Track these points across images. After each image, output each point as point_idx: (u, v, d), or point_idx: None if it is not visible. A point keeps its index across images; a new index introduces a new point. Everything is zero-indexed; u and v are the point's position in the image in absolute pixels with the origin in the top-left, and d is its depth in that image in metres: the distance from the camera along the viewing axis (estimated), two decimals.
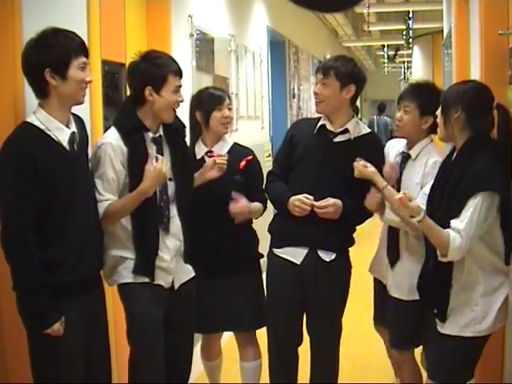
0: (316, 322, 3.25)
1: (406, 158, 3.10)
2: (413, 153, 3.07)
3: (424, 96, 3.03)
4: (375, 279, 3.35)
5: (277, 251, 3.26)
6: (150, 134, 2.79)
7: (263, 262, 3.37)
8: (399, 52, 18.43)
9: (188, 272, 2.95)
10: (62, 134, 2.47)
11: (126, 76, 2.88)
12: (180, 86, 2.82)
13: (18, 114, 2.58)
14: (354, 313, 3.47)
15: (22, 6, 2.62)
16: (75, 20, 3.03)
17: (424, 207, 2.73)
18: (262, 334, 3.40)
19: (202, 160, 3.28)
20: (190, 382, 3.05)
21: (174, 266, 2.83)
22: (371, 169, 2.98)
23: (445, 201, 2.62)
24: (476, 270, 2.62)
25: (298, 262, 3.18)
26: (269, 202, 3.36)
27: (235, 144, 3.41)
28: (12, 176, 2.36)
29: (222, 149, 3.32)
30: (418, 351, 3.16)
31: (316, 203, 3.07)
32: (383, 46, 18.42)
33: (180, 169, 2.86)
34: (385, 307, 3.20)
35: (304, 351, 3.33)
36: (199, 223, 3.13)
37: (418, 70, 14.82)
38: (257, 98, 6.87)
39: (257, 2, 7.24)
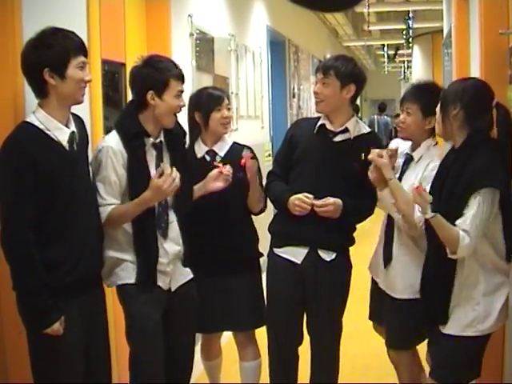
0: (316, 321, 3.25)
1: (408, 159, 3.09)
2: (416, 155, 3.06)
3: (426, 97, 3.01)
4: (372, 278, 3.35)
5: (277, 251, 3.26)
6: (151, 140, 2.80)
7: (263, 261, 3.37)
8: (399, 51, 18.42)
9: (186, 274, 2.95)
10: (62, 134, 2.47)
11: (129, 80, 2.88)
12: (182, 91, 2.83)
13: (17, 113, 2.58)
14: (354, 312, 3.47)
15: (22, 5, 2.62)
16: (75, 20, 3.03)
17: (419, 213, 2.73)
18: (261, 334, 3.39)
19: (203, 159, 3.28)
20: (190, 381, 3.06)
21: (171, 269, 2.84)
22: (384, 160, 2.94)
23: (445, 198, 2.61)
24: (477, 269, 2.62)
25: (299, 262, 3.18)
26: (269, 201, 3.36)
27: (234, 143, 3.40)
28: (12, 176, 2.36)
29: (222, 148, 3.32)
30: (420, 349, 3.16)
31: (316, 202, 3.06)
32: (383, 45, 18.42)
33: (179, 175, 2.87)
34: (380, 306, 3.20)
35: (304, 351, 3.33)
36: (200, 222, 3.14)
37: (418, 69, 14.80)
38: (257, 98, 6.87)
39: (257, 2, 7.24)
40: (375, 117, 13.52)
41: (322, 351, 3.29)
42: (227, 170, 3.10)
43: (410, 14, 12.72)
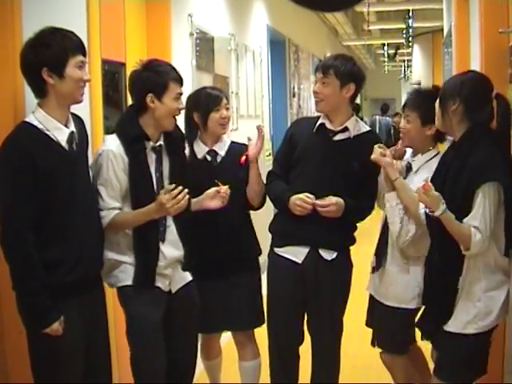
0: (317, 321, 3.25)
1: (408, 168, 3.07)
2: (415, 165, 3.04)
3: (425, 105, 2.96)
4: None
5: (278, 250, 3.25)
6: (151, 143, 2.81)
7: (263, 261, 3.37)
8: (399, 51, 18.42)
9: (185, 277, 2.96)
10: (61, 134, 2.47)
11: (128, 85, 2.90)
12: (181, 94, 2.85)
13: (17, 113, 2.58)
14: (354, 312, 3.47)
15: (22, 5, 2.62)
16: (75, 20, 3.03)
17: (422, 210, 2.73)
18: (261, 333, 3.39)
19: (204, 160, 3.28)
20: None
21: (169, 272, 2.85)
22: (388, 159, 2.94)
23: (447, 193, 2.59)
24: (479, 265, 2.62)
25: (300, 261, 3.18)
26: (269, 201, 3.35)
27: (232, 142, 3.40)
28: (11, 176, 2.36)
29: (222, 148, 3.32)
30: (426, 351, 3.16)
31: (318, 202, 3.06)
32: (383, 44, 18.40)
33: (178, 179, 2.87)
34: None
35: (305, 351, 3.32)
36: (199, 222, 3.13)
37: (418, 68, 14.80)
38: (257, 97, 6.87)
39: (257, 1, 7.23)
40: (377, 117, 13.46)
41: (323, 351, 3.29)
42: (224, 190, 3.07)
43: (410, 13, 12.71)
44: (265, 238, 3.43)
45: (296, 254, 3.19)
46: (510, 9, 3.47)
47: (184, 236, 2.90)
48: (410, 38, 14.01)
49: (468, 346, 2.64)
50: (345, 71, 3.09)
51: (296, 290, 3.20)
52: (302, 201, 3.07)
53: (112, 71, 3.74)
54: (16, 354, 2.58)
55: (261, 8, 7.38)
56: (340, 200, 3.07)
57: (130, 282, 2.76)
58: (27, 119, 2.45)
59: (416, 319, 3.00)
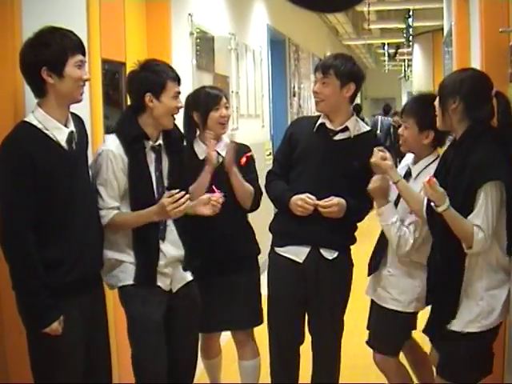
0: (318, 320, 3.25)
1: (408, 173, 3.06)
2: (414, 171, 3.02)
3: (422, 111, 2.94)
4: None
5: (279, 250, 3.25)
6: (150, 142, 2.81)
7: (263, 260, 3.37)
8: (399, 50, 18.43)
9: (186, 277, 2.96)
10: (60, 134, 2.47)
11: (126, 85, 2.91)
12: (179, 93, 2.85)
13: (17, 113, 2.58)
14: (355, 311, 3.47)
15: (22, 5, 2.62)
16: (75, 19, 3.03)
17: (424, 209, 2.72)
18: (261, 333, 3.39)
19: (206, 160, 3.27)
20: None
21: (169, 271, 2.85)
22: (389, 162, 2.93)
23: (448, 192, 2.56)
24: (481, 264, 2.61)
25: (301, 261, 3.17)
26: (269, 200, 3.35)
27: (231, 142, 3.39)
28: (10, 176, 2.36)
29: (223, 149, 3.30)
30: (427, 348, 3.16)
31: (320, 202, 3.06)
32: (383, 44, 18.41)
33: (177, 179, 2.87)
34: None
35: (305, 350, 3.32)
36: (197, 222, 3.12)
37: (419, 68, 14.80)
38: (257, 97, 6.87)
39: (257, 1, 7.24)
40: (379, 117, 13.41)
41: (324, 350, 3.29)
42: (216, 199, 2.98)
43: (411, 13, 12.72)
44: (265, 238, 3.42)
45: (297, 253, 3.19)
46: (510, 8, 3.46)
47: (184, 236, 2.91)
48: (411, 38, 14.02)
49: (472, 344, 2.64)
50: (345, 71, 3.09)
51: (297, 289, 3.19)
52: (303, 201, 3.07)
53: (112, 71, 3.74)
54: (16, 354, 2.58)
55: (261, 7, 7.38)
56: (342, 200, 3.07)
57: (130, 282, 2.76)
58: (27, 119, 2.45)
59: (416, 322, 3.01)
